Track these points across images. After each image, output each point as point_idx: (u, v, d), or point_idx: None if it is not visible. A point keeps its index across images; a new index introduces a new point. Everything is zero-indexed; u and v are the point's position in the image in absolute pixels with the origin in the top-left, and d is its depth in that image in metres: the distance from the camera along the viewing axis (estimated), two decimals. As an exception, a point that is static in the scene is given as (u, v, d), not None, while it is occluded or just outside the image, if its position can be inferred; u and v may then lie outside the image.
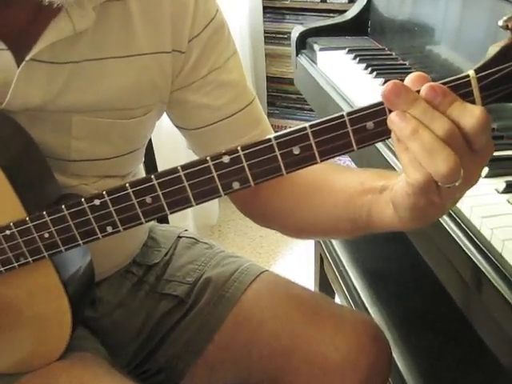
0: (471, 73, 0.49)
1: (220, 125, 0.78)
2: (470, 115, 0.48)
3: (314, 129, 0.51)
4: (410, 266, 1.29)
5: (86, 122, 0.72)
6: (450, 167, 0.48)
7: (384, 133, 0.51)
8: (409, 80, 0.51)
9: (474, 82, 0.49)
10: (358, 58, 1.26)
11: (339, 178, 0.71)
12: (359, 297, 1.27)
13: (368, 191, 0.64)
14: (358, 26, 1.45)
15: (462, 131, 0.49)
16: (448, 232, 0.70)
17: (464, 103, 0.49)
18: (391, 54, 1.31)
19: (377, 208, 0.63)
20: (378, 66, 1.21)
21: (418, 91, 0.50)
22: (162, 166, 1.20)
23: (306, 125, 0.51)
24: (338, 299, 1.42)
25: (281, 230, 0.82)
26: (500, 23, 0.48)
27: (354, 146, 0.51)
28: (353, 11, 1.46)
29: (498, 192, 0.73)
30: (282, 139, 0.52)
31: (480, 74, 0.49)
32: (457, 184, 0.50)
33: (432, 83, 0.50)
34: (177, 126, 0.83)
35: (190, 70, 0.76)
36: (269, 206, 0.79)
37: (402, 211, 0.56)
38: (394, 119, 0.49)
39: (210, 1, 0.77)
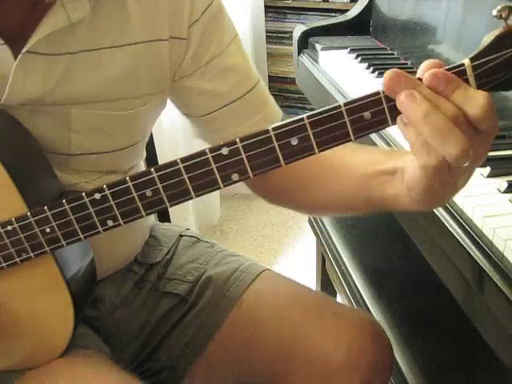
0: (466, 61, 0.49)
1: (225, 110, 0.79)
2: (473, 104, 0.49)
3: (311, 119, 0.51)
4: (412, 266, 1.29)
5: (86, 115, 0.72)
6: (462, 149, 0.48)
7: (381, 122, 0.51)
8: (423, 67, 0.51)
9: (469, 71, 0.49)
10: (359, 58, 1.26)
11: (350, 157, 0.71)
12: (361, 296, 1.27)
13: (380, 172, 0.64)
14: (360, 25, 1.45)
15: (467, 117, 0.49)
16: (450, 231, 0.70)
17: (467, 89, 0.49)
18: (393, 54, 1.31)
19: (390, 190, 0.63)
20: (380, 65, 1.21)
21: (420, 79, 0.50)
22: (162, 161, 1.21)
23: (304, 115, 0.51)
24: (339, 298, 1.42)
25: (292, 207, 0.83)
26: (494, 13, 0.48)
27: (352, 136, 0.51)
28: (355, 10, 1.46)
29: (500, 192, 0.73)
30: (279, 130, 0.52)
31: (475, 63, 0.49)
32: (466, 164, 0.50)
33: (435, 70, 0.50)
34: (184, 114, 0.84)
35: (192, 57, 0.76)
36: (281, 186, 0.79)
37: (415, 193, 0.56)
38: (403, 101, 0.49)
39: None
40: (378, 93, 0.50)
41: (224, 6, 0.79)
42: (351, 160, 0.70)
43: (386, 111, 0.51)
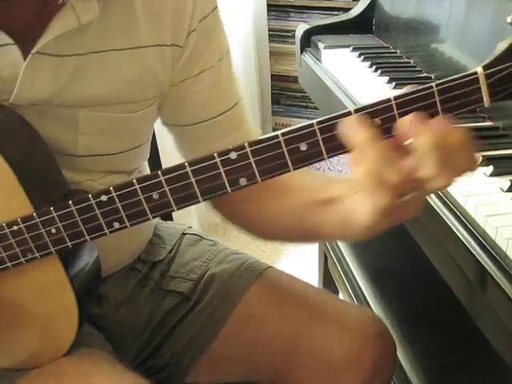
0: (479, 70, 0.49)
1: (204, 124, 0.79)
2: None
3: (321, 125, 0.51)
4: (414, 265, 1.29)
5: (93, 118, 0.72)
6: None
7: (391, 129, 0.51)
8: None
9: (482, 79, 0.49)
10: (362, 56, 1.26)
11: (296, 182, 0.73)
12: (363, 294, 1.27)
13: (320, 201, 0.66)
14: (363, 24, 1.45)
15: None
16: (452, 231, 0.70)
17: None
18: (396, 52, 1.31)
19: (327, 218, 0.65)
20: (383, 64, 1.21)
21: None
22: (165, 161, 1.21)
23: (314, 121, 0.51)
24: (341, 297, 1.43)
25: (243, 223, 0.83)
26: (509, 20, 0.48)
27: None
28: (357, 9, 1.46)
29: (503, 191, 0.73)
30: (289, 135, 0.52)
31: (488, 71, 0.49)
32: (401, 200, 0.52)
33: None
34: (164, 123, 0.84)
35: (183, 66, 0.76)
36: (235, 206, 0.80)
37: (357, 226, 0.58)
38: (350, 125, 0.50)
39: None
40: (388, 99, 0.50)
41: (221, 21, 0.79)
42: (296, 187, 0.73)
43: (397, 118, 0.50)
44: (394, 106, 0.50)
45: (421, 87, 0.50)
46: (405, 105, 0.50)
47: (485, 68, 0.49)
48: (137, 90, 0.74)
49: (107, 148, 0.77)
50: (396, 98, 0.50)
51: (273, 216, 0.75)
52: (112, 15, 0.69)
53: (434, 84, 0.50)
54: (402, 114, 0.50)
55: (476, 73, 0.49)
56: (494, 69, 0.49)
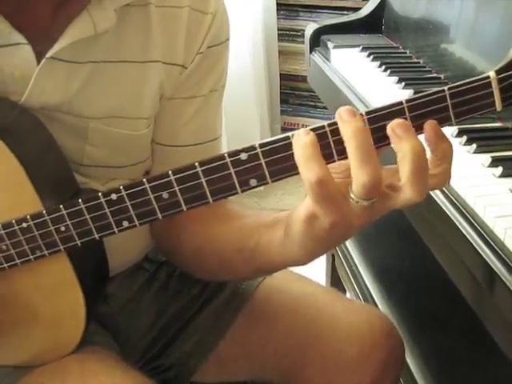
0: (492, 74, 0.48)
1: (175, 150, 0.79)
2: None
3: (332, 127, 0.51)
4: (422, 265, 1.29)
5: (103, 132, 0.73)
6: (374, 179, 0.49)
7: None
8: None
9: (494, 84, 0.49)
10: (371, 56, 1.26)
11: (242, 211, 0.75)
12: (370, 294, 1.27)
13: (260, 223, 0.67)
14: (372, 23, 1.45)
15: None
16: (461, 231, 0.70)
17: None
18: (405, 52, 1.31)
19: (265, 238, 0.65)
20: (392, 64, 1.20)
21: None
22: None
23: (325, 123, 0.51)
24: (349, 296, 1.43)
25: (176, 256, 0.83)
26: None
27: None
28: (367, 9, 1.46)
29: (512, 191, 0.73)
30: None
31: (501, 76, 0.48)
32: (366, 204, 0.51)
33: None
34: None
35: (178, 85, 0.76)
36: (177, 226, 0.79)
37: (295, 236, 0.58)
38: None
39: (224, 27, 0.77)
40: (400, 102, 0.50)
41: (228, 54, 0.79)
42: (239, 214, 0.74)
43: (409, 120, 0.50)
44: (406, 109, 0.50)
45: (433, 90, 0.50)
46: (417, 108, 0.50)
47: (497, 72, 0.48)
48: (146, 105, 0.74)
49: (113, 161, 0.77)
50: (408, 101, 0.50)
51: (212, 237, 0.75)
52: (128, 26, 0.70)
53: (446, 88, 0.49)
54: (413, 118, 0.50)
55: (488, 77, 0.49)
56: (507, 73, 0.48)
